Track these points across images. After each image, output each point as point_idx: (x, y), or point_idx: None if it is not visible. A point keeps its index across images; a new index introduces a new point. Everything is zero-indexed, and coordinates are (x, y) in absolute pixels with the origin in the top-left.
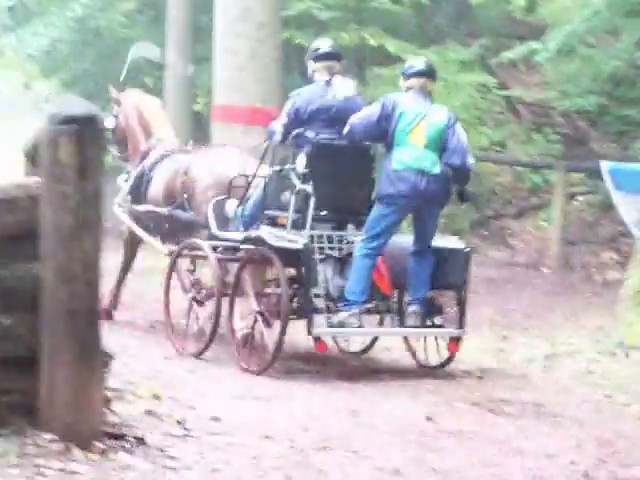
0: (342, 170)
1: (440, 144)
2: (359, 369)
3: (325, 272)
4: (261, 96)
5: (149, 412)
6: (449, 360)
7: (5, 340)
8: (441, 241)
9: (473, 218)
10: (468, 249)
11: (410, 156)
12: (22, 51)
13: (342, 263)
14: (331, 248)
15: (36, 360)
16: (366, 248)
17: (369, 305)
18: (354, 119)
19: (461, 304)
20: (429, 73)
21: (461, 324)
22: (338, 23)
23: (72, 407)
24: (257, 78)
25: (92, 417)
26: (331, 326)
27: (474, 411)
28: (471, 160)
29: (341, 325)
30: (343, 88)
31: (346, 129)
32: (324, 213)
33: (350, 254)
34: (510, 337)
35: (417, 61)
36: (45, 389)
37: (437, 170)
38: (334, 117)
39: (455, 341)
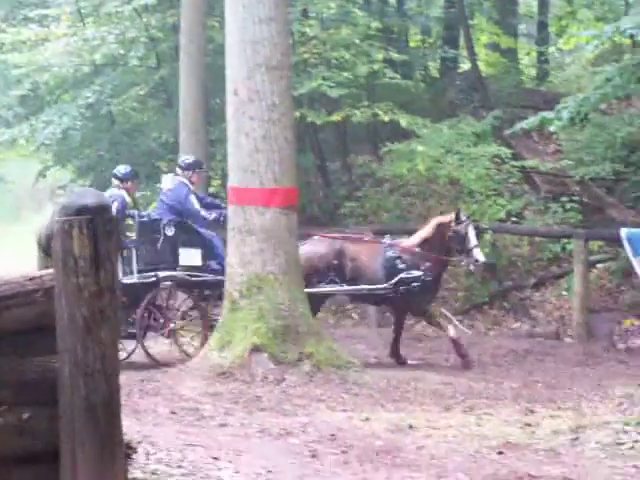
0: None
1: None
2: (383, 449)
3: None
4: (276, 177)
5: None
6: None
7: (24, 435)
8: None
9: (493, 290)
10: None
11: None
12: (36, 140)
13: None
14: None
15: (56, 455)
16: None
17: None
18: None
19: None
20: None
21: None
22: (350, 100)
23: None
24: (270, 159)
25: None
26: None
27: None
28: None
29: None
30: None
31: None
32: None
33: None
34: (535, 410)
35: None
36: None
37: None
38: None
39: None
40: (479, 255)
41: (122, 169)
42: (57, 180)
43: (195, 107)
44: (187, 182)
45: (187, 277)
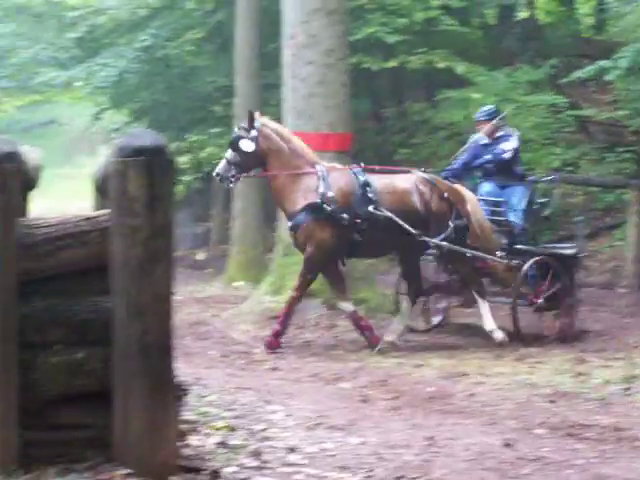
0: None
1: None
2: (435, 395)
3: None
4: (331, 122)
5: (224, 444)
6: None
7: (78, 375)
8: None
9: (547, 239)
10: None
11: None
12: (91, 83)
13: None
14: None
15: (109, 394)
16: None
17: None
18: None
19: None
20: None
21: None
22: (406, 47)
23: (146, 441)
24: (326, 104)
25: (167, 451)
26: None
27: (553, 436)
28: None
29: None
30: None
31: None
32: None
33: None
34: (587, 359)
35: None
36: (119, 424)
37: None
38: None
39: None
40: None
41: None
42: (111, 123)
43: (251, 52)
44: None
45: None
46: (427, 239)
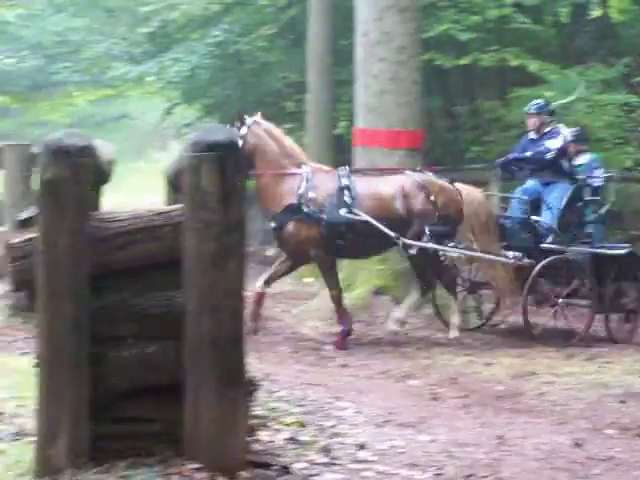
0: None
1: None
2: (505, 394)
3: None
4: (402, 119)
5: (293, 440)
6: None
7: (149, 369)
8: None
9: (620, 239)
10: None
11: None
12: (163, 78)
13: None
14: None
15: (180, 389)
16: None
17: None
18: None
19: None
20: None
21: None
22: (478, 44)
23: (217, 436)
24: (398, 101)
25: (237, 446)
26: None
27: (623, 437)
28: None
29: None
30: None
31: None
32: None
33: None
34: None
35: None
36: (189, 418)
37: None
38: None
39: None
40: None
41: None
42: (182, 118)
43: (323, 48)
44: None
45: None
46: (404, 240)
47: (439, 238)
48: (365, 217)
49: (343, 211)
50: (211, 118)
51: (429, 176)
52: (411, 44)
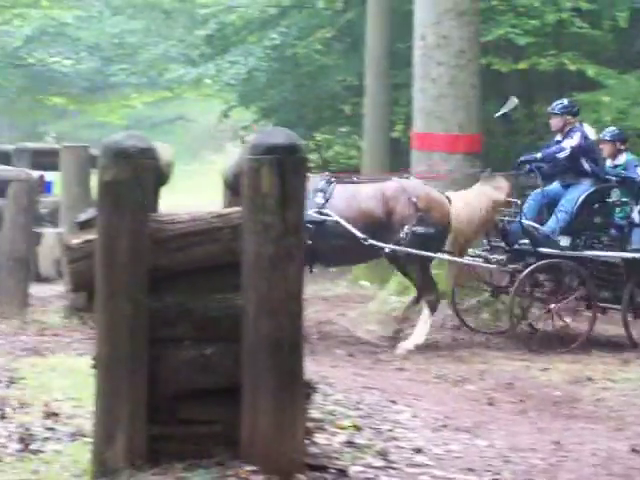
0: None
1: None
2: (561, 399)
3: None
4: (460, 123)
5: (350, 443)
6: None
7: (206, 370)
8: None
9: None
10: None
11: None
12: (220, 80)
13: None
14: None
15: (237, 391)
16: None
17: None
18: None
19: None
20: None
21: None
22: (536, 48)
23: (274, 438)
24: (456, 105)
25: (294, 449)
26: None
27: None
28: None
29: None
30: None
31: None
32: None
33: None
34: None
35: None
36: (246, 420)
37: None
38: None
39: None
40: None
41: None
42: (238, 121)
43: (381, 51)
44: None
45: None
46: (374, 242)
47: (422, 242)
48: (335, 217)
49: (312, 211)
50: (267, 121)
51: (416, 181)
52: (470, 48)
